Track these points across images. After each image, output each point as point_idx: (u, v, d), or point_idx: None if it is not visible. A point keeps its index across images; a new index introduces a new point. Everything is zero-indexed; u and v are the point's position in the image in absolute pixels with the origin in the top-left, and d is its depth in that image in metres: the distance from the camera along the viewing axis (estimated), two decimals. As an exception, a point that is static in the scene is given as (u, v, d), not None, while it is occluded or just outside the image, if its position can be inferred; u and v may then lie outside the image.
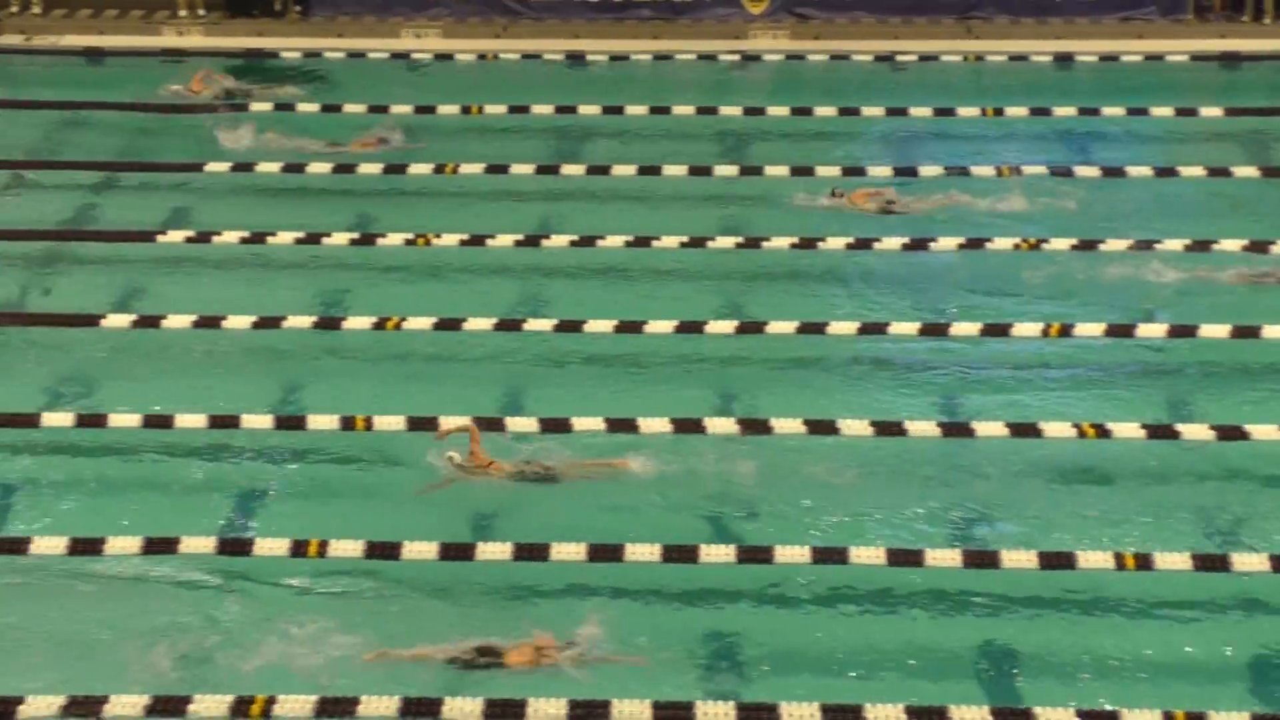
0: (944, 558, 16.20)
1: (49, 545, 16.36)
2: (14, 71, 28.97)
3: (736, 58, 29.45)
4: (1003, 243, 22.17)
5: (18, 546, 16.39)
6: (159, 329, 20.38)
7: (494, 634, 15.11)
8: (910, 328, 20.35)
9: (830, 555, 16.23)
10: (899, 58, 29.31)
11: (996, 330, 20.23)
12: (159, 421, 18.37)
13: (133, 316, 20.65)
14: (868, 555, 16.21)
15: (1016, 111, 26.66)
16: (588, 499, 17.22)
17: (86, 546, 16.33)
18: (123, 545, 16.32)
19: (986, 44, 29.78)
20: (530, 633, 15.03)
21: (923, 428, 18.33)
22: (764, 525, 16.96)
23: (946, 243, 22.25)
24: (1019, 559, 16.16)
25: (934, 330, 20.32)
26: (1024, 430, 18.24)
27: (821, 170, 24.48)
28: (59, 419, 18.48)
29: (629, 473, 17.51)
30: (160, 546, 16.32)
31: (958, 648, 15.31)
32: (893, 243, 22.30)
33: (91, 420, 18.44)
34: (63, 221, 23.43)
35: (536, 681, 14.66)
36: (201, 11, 30.58)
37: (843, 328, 20.34)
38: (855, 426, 18.29)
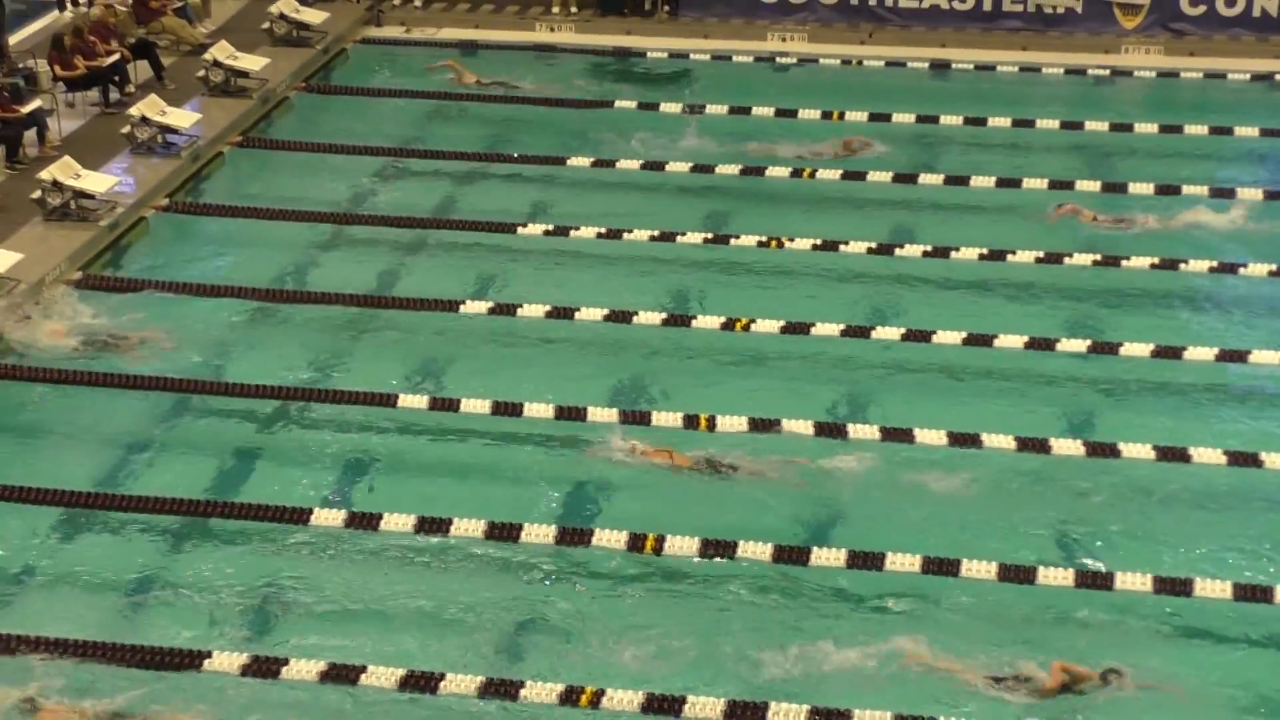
0: (1287, 595, 15.77)
1: (398, 523, 16.87)
2: (394, 61, 29.91)
3: (1106, 72, 28.80)
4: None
5: (370, 522, 16.94)
6: (514, 318, 20.85)
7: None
8: (1273, 355, 19.69)
9: (1173, 586, 15.84)
10: (1278, 77, 28.35)
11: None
12: (508, 409, 18.79)
13: (489, 304, 21.17)
14: (1214, 589, 15.78)
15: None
16: (926, 509, 17.07)
17: (433, 526, 16.81)
18: (467, 528, 16.76)
19: (1376, 65, 28.65)
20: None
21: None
22: (1108, 550, 16.61)
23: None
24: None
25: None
26: (1388, 469, 17.54)
27: (1188, 189, 23.84)
28: (414, 401, 19.04)
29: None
30: (503, 531, 16.72)
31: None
32: (1259, 269, 21.62)
33: (444, 404, 18.96)
34: (430, 209, 24.13)
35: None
36: (574, 9, 31.18)
37: (1201, 353, 19.78)
38: (1208, 455, 17.80)
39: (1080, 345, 19.98)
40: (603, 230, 22.93)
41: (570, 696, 14.56)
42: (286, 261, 22.63)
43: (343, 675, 14.84)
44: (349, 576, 16.36)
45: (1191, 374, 19.56)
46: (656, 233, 22.82)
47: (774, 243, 22.56)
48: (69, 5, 30.09)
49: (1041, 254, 22.04)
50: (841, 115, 26.69)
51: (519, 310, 20.91)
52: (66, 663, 15.00)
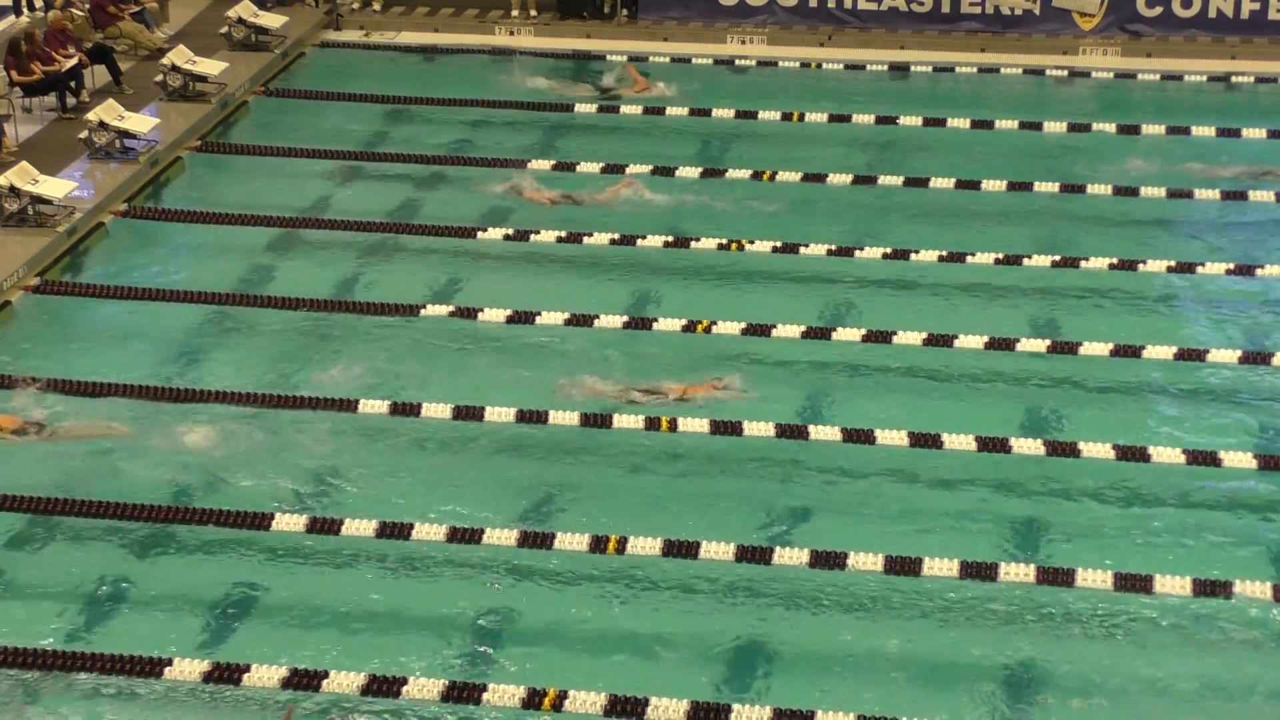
0: (1255, 590, 15.88)
1: (359, 528, 16.87)
2: (352, 66, 29.84)
3: (1064, 74, 28.94)
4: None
5: (331, 527, 16.90)
6: (475, 321, 20.83)
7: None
8: (1230, 355, 19.83)
9: (1131, 583, 16.02)
10: (1234, 78, 28.53)
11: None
12: (470, 414, 18.79)
13: (450, 308, 21.14)
14: (1174, 585, 15.96)
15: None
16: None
17: (397, 530, 16.81)
18: (429, 532, 16.79)
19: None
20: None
21: (1239, 459, 17.85)
22: (1056, 548, 16.74)
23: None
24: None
25: (1256, 358, 19.79)
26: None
27: (1145, 191, 24.04)
28: (376, 406, 18.99)
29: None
30: (466, 535, 16.73)
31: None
32: (1217, 268, 21.78)
33: (405, 409, 18.93)
34: (389, 213, 24.08)
35: None
36: (533, 12, 31.19)
37: (1159, 352, 19.91)
38: (1167, 454, 17.91)
39: (1040, 345, 20.09)
40: (563, 234, 22.94)
41: (533, 700, 14.57)
42: (246, 266, 22.55)
43: (305, 681, 14.80)
44: (310, 582, 16.32)
45: (1150, 373, 19.69)
46: (616, 236, 22.85)
47: (734, 245, 22.60)
48: (25, 10, 29.97)
49: (1000, 255, 22.13)
50: (801, 117, 26.75)
51: (480, 314, 20.92)
52: (22, 672, 14.97)
